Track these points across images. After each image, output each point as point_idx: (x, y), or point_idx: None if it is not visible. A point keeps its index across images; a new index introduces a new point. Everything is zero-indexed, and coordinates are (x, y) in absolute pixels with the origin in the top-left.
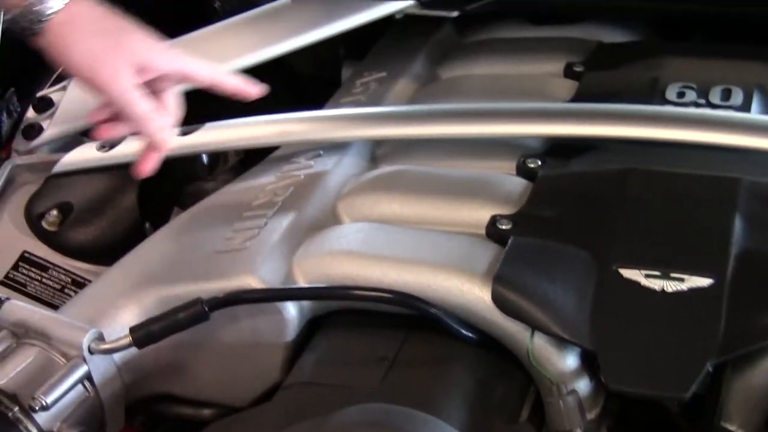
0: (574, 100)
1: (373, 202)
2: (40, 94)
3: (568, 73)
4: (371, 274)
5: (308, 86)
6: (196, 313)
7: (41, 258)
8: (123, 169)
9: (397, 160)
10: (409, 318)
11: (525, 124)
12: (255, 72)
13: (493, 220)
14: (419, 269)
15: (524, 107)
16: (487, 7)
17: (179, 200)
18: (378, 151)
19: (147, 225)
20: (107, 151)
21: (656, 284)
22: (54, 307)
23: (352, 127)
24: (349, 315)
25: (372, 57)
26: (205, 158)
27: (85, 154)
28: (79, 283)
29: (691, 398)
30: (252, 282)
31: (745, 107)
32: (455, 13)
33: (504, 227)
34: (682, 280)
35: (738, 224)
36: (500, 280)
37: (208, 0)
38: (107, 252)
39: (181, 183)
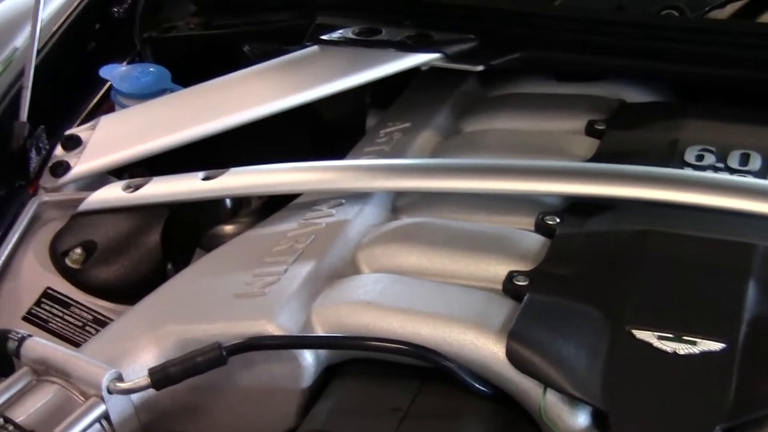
0: (594, 158)
1: (393, 253)
2: (68, 132)
3: (590, 131)
4: (388, 325)
5: (333, 132)
6: (214, 357)
7: (64, 295)
8: (148, 209)
9: (417, 211)
10: (423, 369)
11: (545, 182)
12: (281, 117)
13: (510, 276)
14: (435, 322)
15: (545, 165)
16: (512, 63)
17: (201, 242)
18: (399, 202)
19: (169, 266)
20: (133, 191)
21: (668, 346)
22: (75, 344)
23: (374, 179)
24: (365, 364)
25: (397, 107)
26: (228, 201)
27: (111, 194)
28: (101, 321)
29: None
30: (270, 328)
31: (763, 173)
32: (480, 68)
33: (520, 283)
34: (694, 343)
35: (751, 290)
36: (515, 337)
37: (237, 44)
38: (129, 291)
39: (203, 225)
